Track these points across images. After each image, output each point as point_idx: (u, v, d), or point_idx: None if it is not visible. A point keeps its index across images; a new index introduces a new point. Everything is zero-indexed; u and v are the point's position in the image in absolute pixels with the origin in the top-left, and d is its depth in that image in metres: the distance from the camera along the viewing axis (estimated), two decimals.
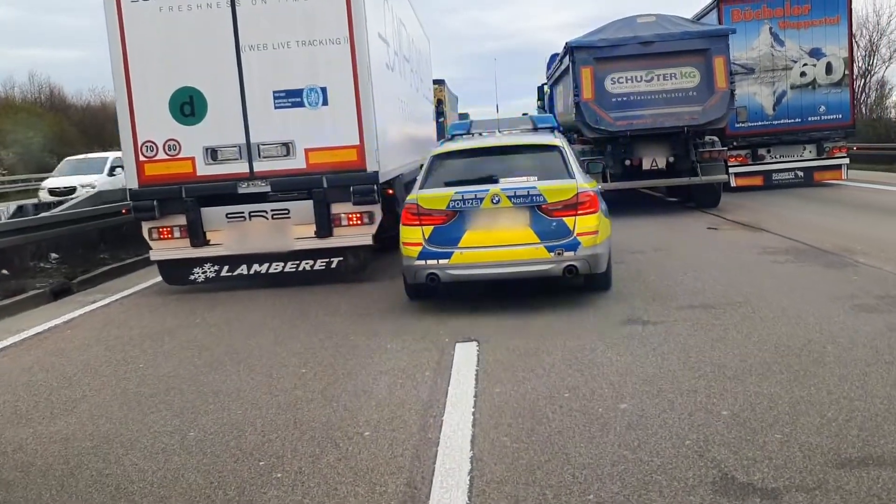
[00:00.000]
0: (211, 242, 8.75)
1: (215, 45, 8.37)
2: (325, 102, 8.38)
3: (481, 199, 6.85)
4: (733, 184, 16.57)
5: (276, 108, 8.40)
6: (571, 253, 6.73)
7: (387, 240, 9.93)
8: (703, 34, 13.86)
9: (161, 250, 8.81)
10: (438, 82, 25.09)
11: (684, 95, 13.51)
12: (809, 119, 16.77)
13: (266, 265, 8.81)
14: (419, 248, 6.92)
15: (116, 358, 6.32)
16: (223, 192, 8.55)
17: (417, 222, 6.97)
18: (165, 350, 6.46)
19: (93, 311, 8.35)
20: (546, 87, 22.82)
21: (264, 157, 8.47)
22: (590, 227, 6.82)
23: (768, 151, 16.94)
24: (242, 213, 8.67)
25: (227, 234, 8.73)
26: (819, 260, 8.55)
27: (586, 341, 5.79)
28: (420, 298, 7.55)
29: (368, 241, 8.72)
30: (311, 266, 8.78)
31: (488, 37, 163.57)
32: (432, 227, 6.91)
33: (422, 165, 14.13)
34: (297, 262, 8.77)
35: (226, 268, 8.85)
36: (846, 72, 16.75)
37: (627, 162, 14.00)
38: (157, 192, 8.54)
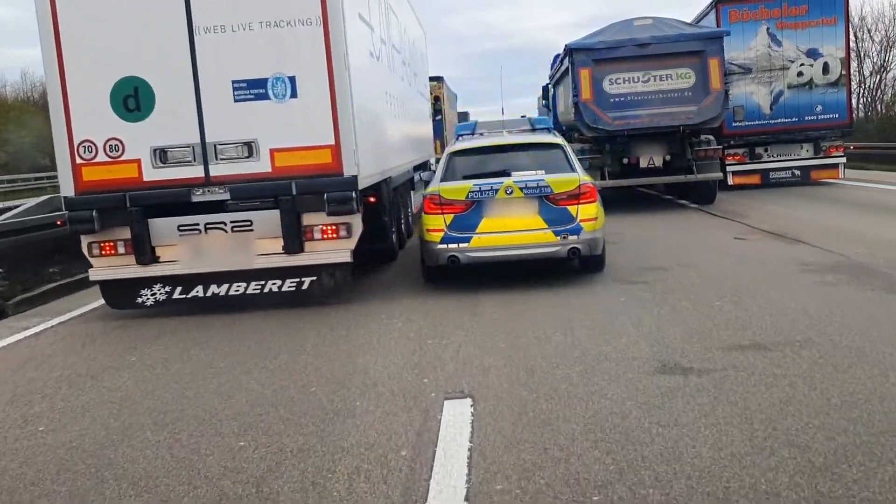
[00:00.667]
0: (161, 259, 7.20)
1: (164, 27, 6.85)
2: (293, 94, 6.89)
3: (496, 190, 7.47)
4: (731, 182, 16.25)
5: (235, 101, 6.89)
6: (575, 237, 7.42)
7: (368, 254, 8.55)
8: (698, 36, 13.63)
9: (102, 269, 7.23)
10: (436, 79, 23.62)
11: (680, 96, 13.30)
12: (806, 118, 16.40)
13: (225, 286, 7.24)
14: (441, 234, 7.48)
15: (16, 415, 4.79)
16: (174, 201, 7.01)
17: (440, 211, 7.53)
18: (80, 404, 4.91)
19: (17, 343, 6.76)
20: (549, 87, 22.29)
21: (222, 160, 6.97)
22: (590, 214, 7.50)
23: (766, 150, 16.67)
24: (197, 225, 7.15)
25: (180, 249, 7.18)
26: (877, 281, 7.01)
27: (614, 402, 4.27)
28: (435, 282, 7.94)
29: (346, 257, 7.23)
30: (279, 287, 7.25)
31: (488, 37, 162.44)
32: (453, 215, 7.49)
33: (417, 167, 13.18)
34: (262, 282, 7.22)
35: (178, 289, 7.27)
36: (843, 72, 16.35)
37: (625, 160, 13.88)
38: (97, 201, 7.00)
